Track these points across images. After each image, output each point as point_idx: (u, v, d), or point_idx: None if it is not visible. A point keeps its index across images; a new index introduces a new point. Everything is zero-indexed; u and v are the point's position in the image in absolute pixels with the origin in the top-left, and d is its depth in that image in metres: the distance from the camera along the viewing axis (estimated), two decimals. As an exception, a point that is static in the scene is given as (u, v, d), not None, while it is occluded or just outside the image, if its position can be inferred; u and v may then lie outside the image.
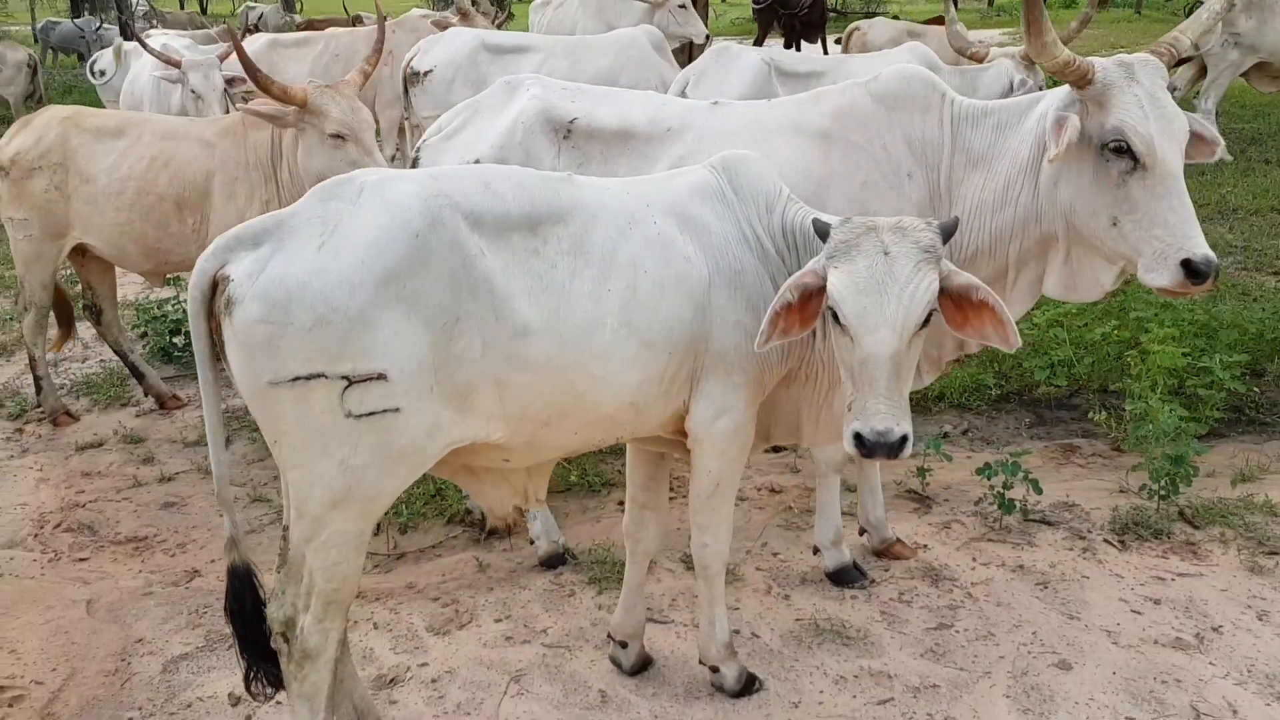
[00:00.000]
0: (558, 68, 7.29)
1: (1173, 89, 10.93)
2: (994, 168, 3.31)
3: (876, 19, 12.62)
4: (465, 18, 11.54)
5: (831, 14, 16.56)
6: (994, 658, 3.52)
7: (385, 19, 6.08)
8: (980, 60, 6.27)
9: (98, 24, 23.14)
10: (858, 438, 2.56)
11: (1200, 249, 2.89)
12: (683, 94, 5.47)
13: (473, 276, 2.57)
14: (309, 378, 2.44)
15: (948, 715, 3.25)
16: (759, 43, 15.10)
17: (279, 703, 3.43)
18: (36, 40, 25.85)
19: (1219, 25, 10.40)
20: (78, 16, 28.35)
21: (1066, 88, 3.12)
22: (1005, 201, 3.30)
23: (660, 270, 2.80)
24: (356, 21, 15.93)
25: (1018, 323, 3.71)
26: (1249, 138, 11.98)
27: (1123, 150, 2.97)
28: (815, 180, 3.54)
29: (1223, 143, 3.13)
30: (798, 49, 15.78)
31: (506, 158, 3.84)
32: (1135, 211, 2.98)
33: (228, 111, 7.03)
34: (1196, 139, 3.07)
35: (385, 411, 2.50)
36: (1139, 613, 3.74)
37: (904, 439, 2.55)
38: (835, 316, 2.61)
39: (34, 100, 14.44)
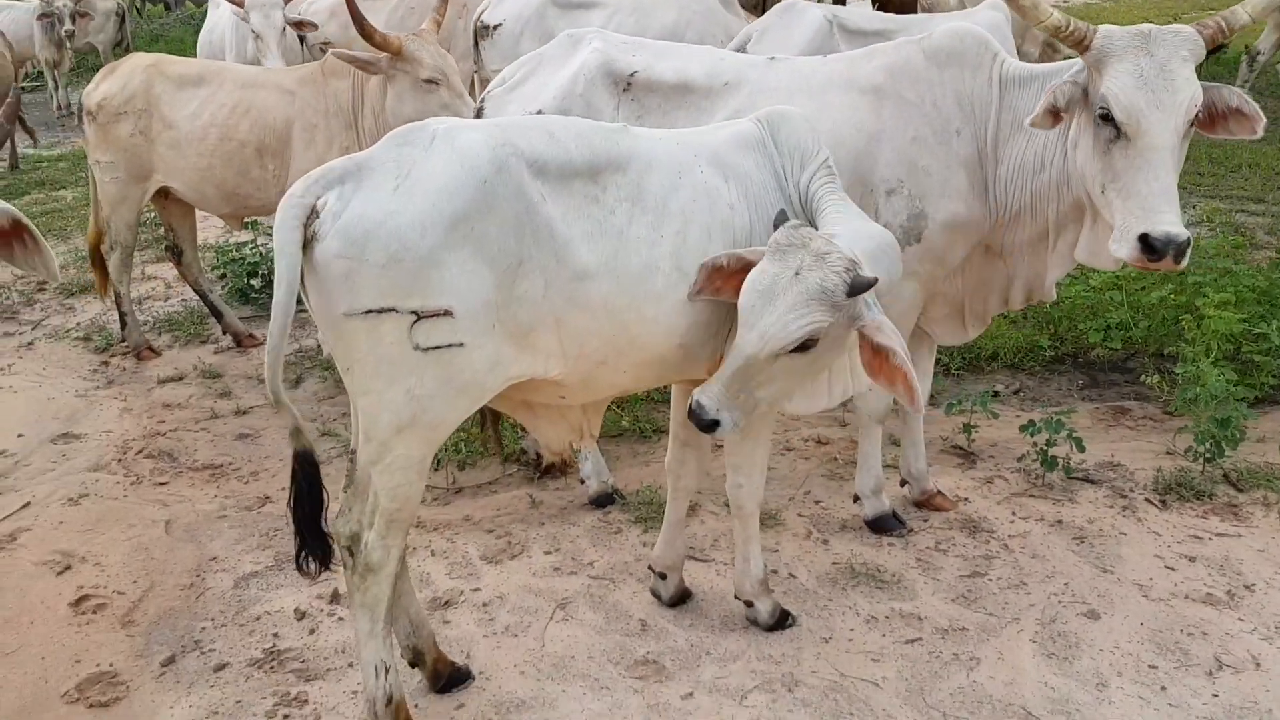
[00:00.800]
0: (624, 23, 7.34)
1: (1257, 54, 10.71)
2: (1035, 131, 3.34)
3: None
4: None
5: None
6: (1024, 605, 3.63)
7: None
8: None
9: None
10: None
11: (1161, 226, 2.88)
12: (743, 49, 5.52)
13: (536, 222, 2.72)
14: (381, 311, 2.62)
15: (973, 655, 3.37)
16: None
17: (341, 619, 3.69)
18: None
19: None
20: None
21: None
22: (1043, 164, 3.36)
23: (707, 218, 2.93)
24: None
25: (1060, 283, 3.79)
26: (1336, 104, 11.62)
27: (1106, 117, 2.99)
28: (867, 134, 3.62)
29: (1264, 119, 3.08)
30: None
31: (568, 109, 3.96)
32: (1117, 180, 3.00)
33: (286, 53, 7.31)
34: (1236, 114, 3.05)
35: (450, 346, 2.67)
36: (1173, 569, 3.81)
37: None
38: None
39: (122, 48, 14.80)
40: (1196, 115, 2.98)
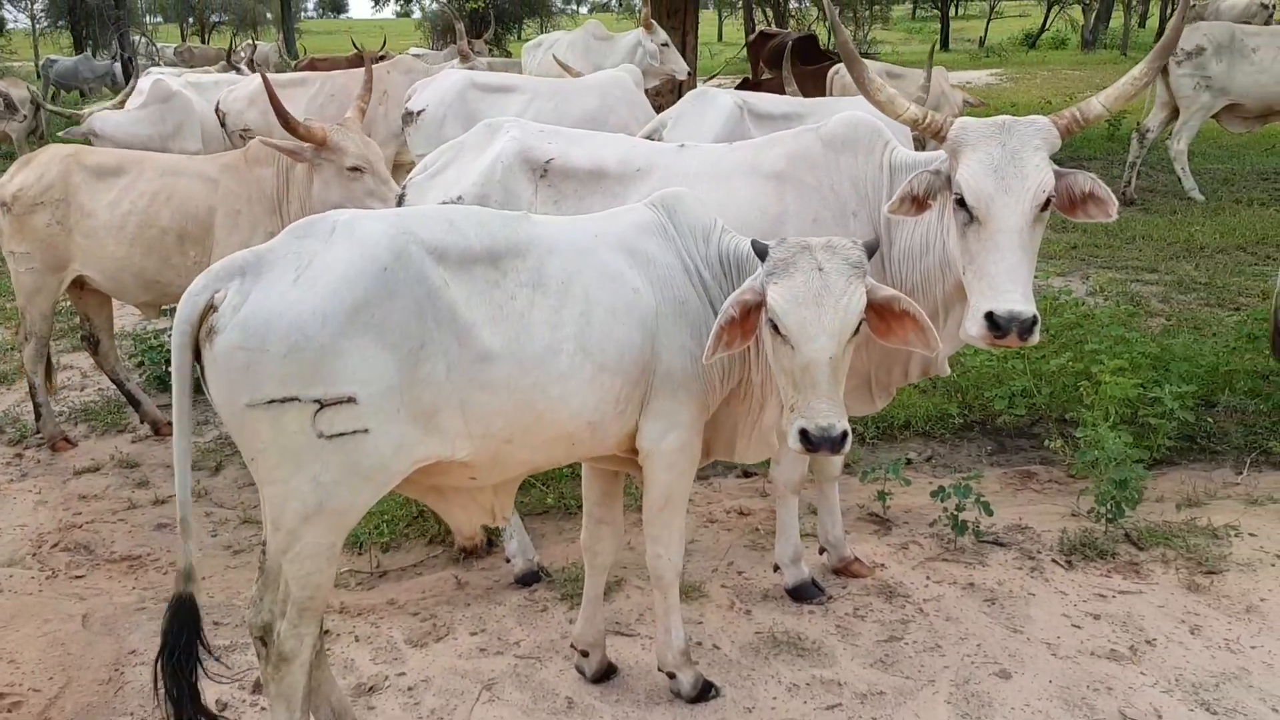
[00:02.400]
0: (544, 108, 7.56)
1: (1146, 131, 11.32)
2: (921, 215, 3.51)
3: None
4: (464, 59, 11.89)
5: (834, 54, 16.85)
6: (939, 667, 3.73)
7: (373, 60, 6.42)
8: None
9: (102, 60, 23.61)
10: (803, 434, 2.80)
11: (1004, 304, 3.01)
12: (658, 134, 5.73)
13: (437, 306, 2.80)
14: (283, 400, 2.66)
15: (890, 719, 3.45)
16: (753, 78, 15.39)
17: (262, 709, 3.65)
18: (39, 76, 26.31)
19: (1188, 72, 10.74)
20: (79, 54, 28.83)
21: None
22: (927, 247, 3.52)
23: (611, 300, 3.04)
24: (359, 58, 16.26)
25: (957, 358, 3.93)
26: (1221, 178, 12.31)
27: (962, 203, 3.16)
28: (771, 218, 3.78)
29: (1116, 202, 3.22)
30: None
31: (487, 195, 4.09)
32: (973, 262, 3.15)
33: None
34: (1091, 198, 3.21)
35: (355, 432, 2.71)
36: (1079, 627, 3.95)
37: (845, 434, 2.79)
38: (775, 328, 2.85)
39: (36, 136, 14.72)
40: (1049, 200, 3.13)
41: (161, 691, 2.91)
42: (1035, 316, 3.03)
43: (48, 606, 4.41)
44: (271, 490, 2.76)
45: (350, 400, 2.68)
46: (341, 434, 2.69)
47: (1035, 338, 3.06)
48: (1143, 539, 4.54)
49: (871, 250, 2.93)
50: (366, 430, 2.71)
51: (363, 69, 11.05)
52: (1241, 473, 5.26)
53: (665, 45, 10.74)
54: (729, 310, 2.91)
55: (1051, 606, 4.10)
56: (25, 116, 14.24)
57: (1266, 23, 15.97)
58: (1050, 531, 4.67)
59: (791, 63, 16.11)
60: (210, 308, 2.67)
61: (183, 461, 2.82)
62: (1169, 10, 36.94)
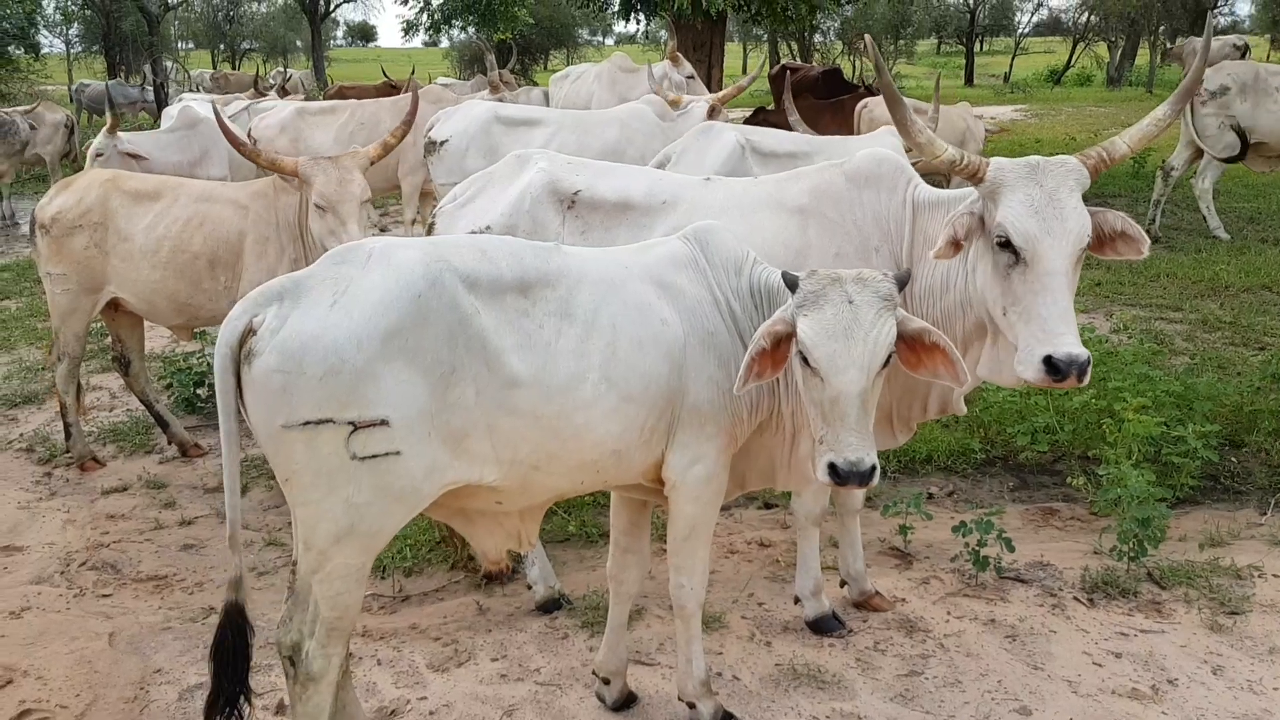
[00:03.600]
0: (566, 140, 7.65)
1: (1170, 169, 11.33)
2: (929, 254, 3.51)
3: (880, 97, 13.00)
4: (495, 90, 12.04)
5: (861, 88, 16.98)
6: (959, 703, 3.73)
7: (403, 89, 6.50)
8: None
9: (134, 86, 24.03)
10: (832, 468, 2.83)
11: (1064, 347, 3.02)
12: (663, 169, 5.81)
13: (468, 333, 2.86)
14: (318, 422, 2.72)
15: (909, 754, 3.45)
16: (776, 109, 15.50)
17: (285, 729, 3.68)
18: (71, 100, 26.79)
19: (1213, 111, 10.76)
20: (113, 78, 29.35)
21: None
22: (948, 286, 3.54)
23: (638, 331, 3.08)
24: (390, 87, 16.49)
25: (968, 399, 3.96)
26: (1247, 217, 12.29)
27: (1006, 244, 3.16)
28: (794, 251, 3.83)
29: (1148, 240, 3.26)
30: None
31: (515, 225, 4.16)
32: (1017, 304, 3.16)
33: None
34: (1122, 236, 3.25)
35: (387, 454, 2.77)
36: (1100, 665, 3.94)
37: (874, 468, 2.82)
38: (805, 360, 2.88)
39: (70, 159, 14.98)
40: (1087, 240, 3.17)
41: (214, 689, 2.98)
42: (1089, 358, 3.05)
43: (75, 624, 4.47)
44: (304, 511, 2.81)
45: (384, 423, 2.74)
46: (374, 456, 2.75)
47: (1088, 378, 3.08)
48: (1165, 578, 4.52)
49: (903, 283, 2.96)
50: (399, 453, 2.77)
51: (393, 98, 11.28)
52: (1265, 513, 5.24)
53: (691, 78, 10.86)
54: (759, 341, 2.95)
55: (1073, 644, 4.09)
56: (45, 131, 14.45)
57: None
58: (1072, 569, 4.66)
59: (814, 95, 16.27)
60: (250, 331, 2.74)
61: (232, 479, 2.90)
62: (1195, 49, 36.95)
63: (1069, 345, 3.02)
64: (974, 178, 3.26)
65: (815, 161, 5.13)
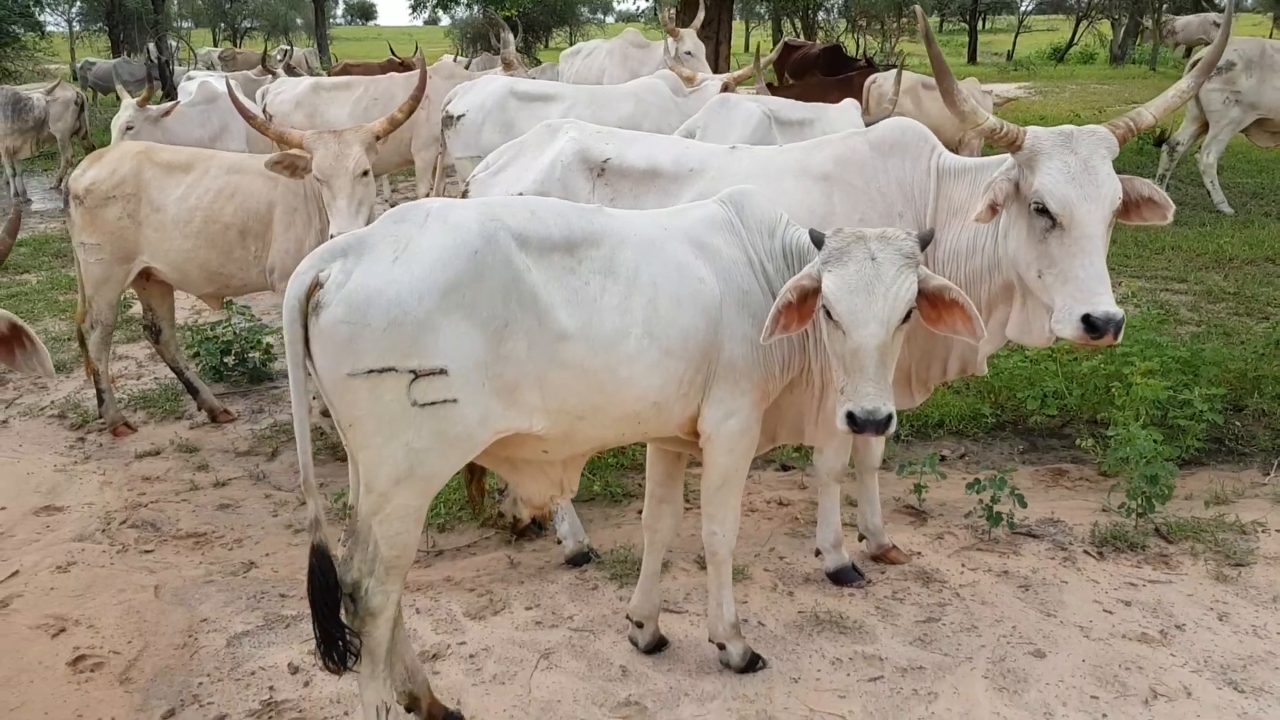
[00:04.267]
0: (582, 115, 7.75)
1: (1176, 145, 11.44)
2: (968, 218, 3.66)
3: (891, 71, 13.13)
4: (509, 67, 12.13)
5: (862, 63, 17.07)
6: (975, 646, 3.91)
7: (410, 66, 6.62)
8: None
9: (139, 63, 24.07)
10: (850, 416, 3.00)
11: (1101, 306, 3.18)
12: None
13: (520, 289, 3.02)
14: (381, 371, 2.88)
15: (931, 690, 3.63)
16: (779, 86, 15.62)
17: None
18: (75, 78, 26.83)
19: (1218, 86, 10.88)
20: (116, 56, 29.37)
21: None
22: (974, 250, 3.69)
23: (677, 288, 3.24)
24: (396, 65, 16.55)
25: (991, 360, 4.12)
26: (1251, 191, 12.42)
27: (1043, 210, 3.31)
28: (819, 217, 3.97)
29: (1173, 206, 3.40)
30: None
31: (547, 192, 4.29)
32: (1054, 266, 3.31)
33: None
34: (1149, 202, 3.39)
35: (445, 402, 2.93)
36: (1110, 612, 4.12)
37: (890, 417, 2.99)
38: (829, 314, 3.05)
39: (80, 136, 15.08)
40: (1118, 205, 3.31)
41: (319, 633, 3.11)
42: (1124, 317, 3.21)
43: (120, 578, 4.64)
44: (366, 455, 2.98)
45: (442, 372, 2.90)
46: (433, 403, 2.91)
47: (1121, 335, 3.24)
48: (1172, 533, 4.70)
49: (925, 241, 3.12)
50: (456, 400, 2.93)
51: (406, 73, 11.38)
52: (1269, 473, 5.40)
53: (690, 54, 10.92)
54: (786, 294, 3.11)
55: (1084, 593, 4.26)
56: (56, 108, 14.53)
57: None
58: (1082, 525, 4.84)
59: (819, 72, 16.38)
60: (316, 285, 2.89)
61: (302, 426, 3.06)
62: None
63: (1106, 304, 3.18)
64: (1012, 145, 3.39)
65: (824, 124, 5.40)
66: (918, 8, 4.50)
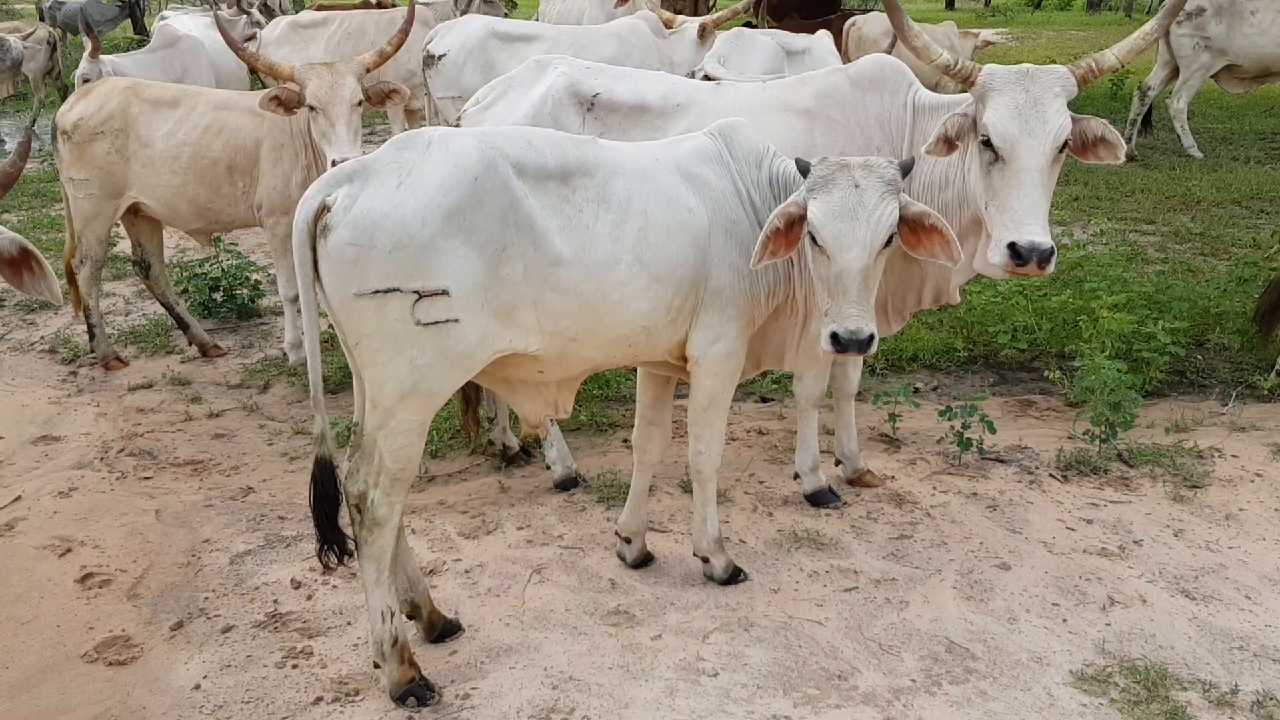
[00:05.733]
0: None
1: (1146, 89, 11.60)
2: (921, 150, 3.77)
3: (871, 14, 13.19)
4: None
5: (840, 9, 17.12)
6: (945, 560, 4.13)
7: (413, 3, 6.69)
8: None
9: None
10: (834, 336, 3.18)
11: (1026, 235, 3.35)
12: (701, 74, 6.20)
13: (518, 214, 3.16)
14: (387, 291, 3.02)
15: (903, 599, 3.86)
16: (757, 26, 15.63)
17: (334, 586, 4.04)
18: (42, 19, 26.31)
19: (1188, 32, 11.03)
20: (87, -4, 28.76)
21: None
22: (946, 183, 3.85)
23: (667, 217, 3.39)
24: (373, 6, 16.40)
25: (963, 294, 4.29)
26: (1220, 137, 12.62)
27: (987, 143, 3.48)
28: (801, 151, 4.09)
29: (1125, 146, 3.57)
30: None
31: (538, 125, 4.41)
32: (996, 198, 3.49)
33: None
34: (1102, 142, 3.55)
35: (447, 321, 3.08)
36: (1072, 529, 4.35)
37: (871, 336, 3.17)
38: (814, 239, 3.21)
39: (53, 77, 14.92)
40: (1066, 142, 3.47)
41: (319, 537, 3.34)
42: (1053, 247, 3.38)
43: (121, 503, 4.78)
44: (371, 372, 3.13)
45: (444, 293, 3.04)
46: (436, 322, 3.05)
47: (1051, 268, 3.41)
48: (1134, 458, 4.92)
49: (906, 169, 3.27)
50: (457, 320, 3.08)
51: (379, 11, 11.36)
52: (1227, 404, 5.64)
53: None
54: (774, 221, 3.26)
55: (1048, 513, 4.49)
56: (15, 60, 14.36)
57: None
58: (1048, 451, 5.06)
59: (799, 15, 16.38)
60: (324, 209, 3.02)
61: (313, 344, 3.21)
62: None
63: (1032, 234, 3.35)
64: (967, 81, 3.56)
65: (815, 52, 5.70)
66: None
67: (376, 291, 3.02)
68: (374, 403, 3.17)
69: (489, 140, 3.21)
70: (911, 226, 3.29)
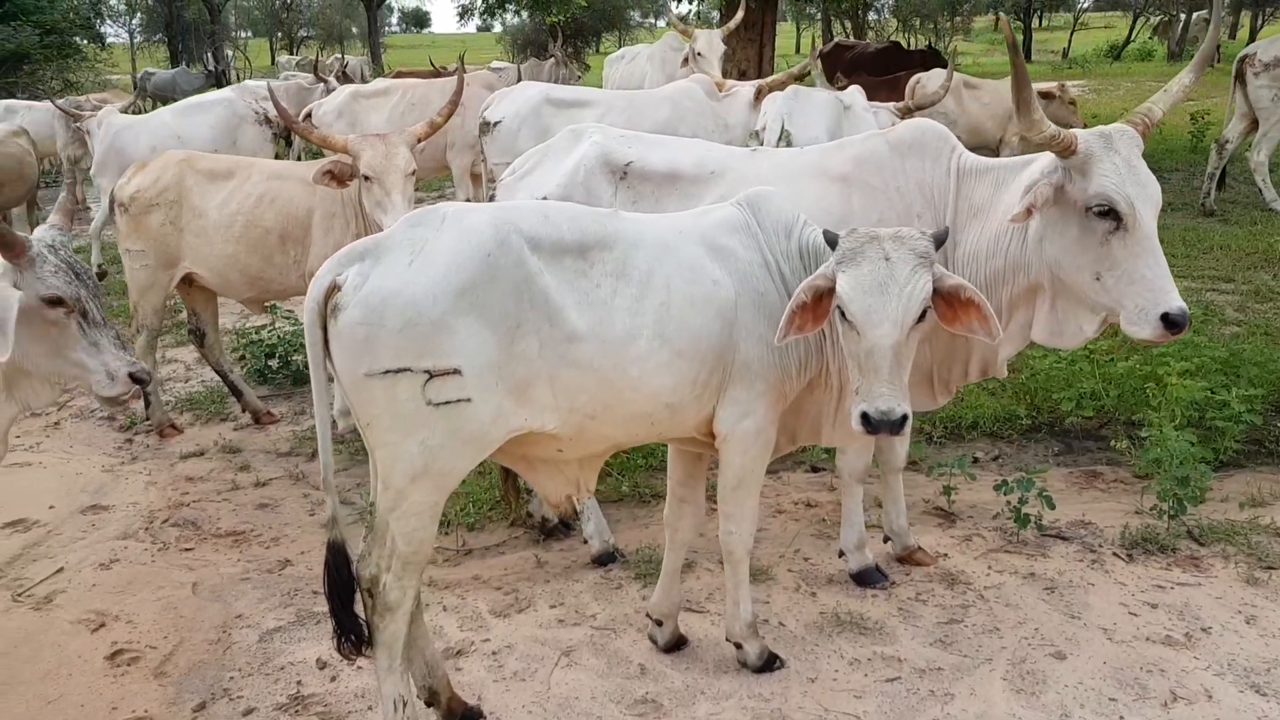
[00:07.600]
0: (617, 120, 7.81)
1: (1225, 142, 11.26)
2: (989, 219, 3.66)
3: (933, 71, 13.05)
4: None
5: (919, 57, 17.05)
6: (996, 648, 3.89)
7: (463, 73, 6.74)
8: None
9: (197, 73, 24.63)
10: (864, 417, 3.02)
11: (1176, 303, 3.22)
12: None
13: (533, 290, 3.08)
14: (397, 371, 2.96)
15: (948, 691, 3.63)
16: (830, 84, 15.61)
17: (360, 668, 3.94)
18: (135, 88, 27.51)
19: (1267, 83, 10.68)
20: (176, 66, 30.03)
21: (1050, 154, 3.45)
22: (996, 251, 3.66)
23: (690, 290, 3.28)
24: (437, 73, 16.77)
25: (1013, 366, 4.09)
26: (1304, 189, 12.12)
27: (1106, 213, 3.30)
28: (836, 218, 3.98)
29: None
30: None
31: (570, 195, 4.36)
32: (1116, 268, 3.31)
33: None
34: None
35: (459, 401, 3.00)
36: (1136, 615, 4.08)
37: (904, 417, 3.00)
38: (843, 314, 3.07)
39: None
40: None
41: (334, 625, 3.27)
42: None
43: (160, 575, 4.78)
44: (383, 453, 3.06)
45: (456, 372, 2.97)
46: (448, 402, 2.98)
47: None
48: (1204, 535, 4.63)
49: (940, 241, 3.12)
50: (469, 399, 3.00)
51: (442, 79, 11.53)
52: (1309, 476, 5.30)
53: (701, 55, 10.86)
54: (800, 295, 3.13)
55: (1110, 596, 4.23)
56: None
57: None
58: (1113, 527, 4.79)
59: (869, 73, 16.33)
60: (335, 288, 2.98)
61: (323, 425, 3.17)
62: (1260, 21, 36.16)
63: (1180, 301, 3.23)
64: (1067, 151, 3.36)
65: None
66: (1002, 16, 4.53)
67: (387, 371, 2.96)
68: (385, 484, 3.10)
69: (503, 216, 3.16)
70: (948, 300, 3.13)
